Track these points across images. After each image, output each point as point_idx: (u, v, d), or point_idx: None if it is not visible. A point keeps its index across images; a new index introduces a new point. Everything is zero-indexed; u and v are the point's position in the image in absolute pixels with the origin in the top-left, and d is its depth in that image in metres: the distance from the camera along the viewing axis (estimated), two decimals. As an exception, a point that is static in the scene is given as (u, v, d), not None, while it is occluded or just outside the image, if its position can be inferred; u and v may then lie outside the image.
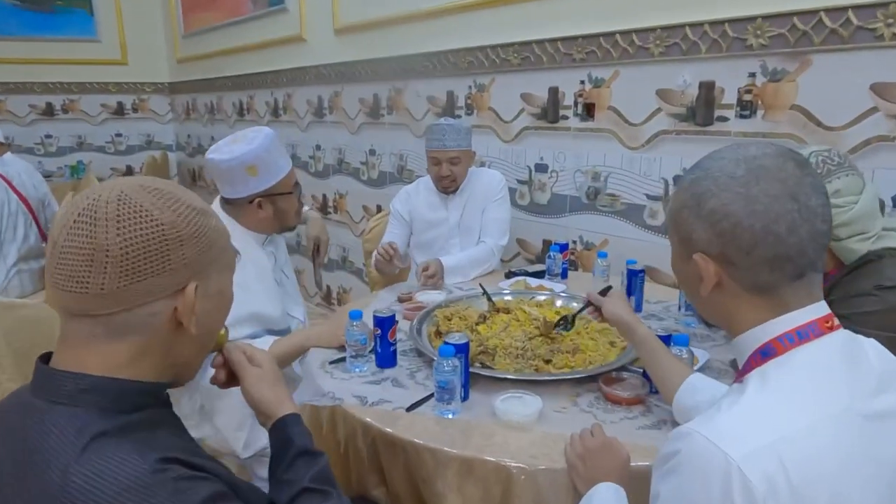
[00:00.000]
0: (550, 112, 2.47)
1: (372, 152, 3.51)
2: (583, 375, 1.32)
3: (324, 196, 4.01)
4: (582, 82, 2.33)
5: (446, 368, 1.19)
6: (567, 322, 1.44)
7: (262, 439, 1.63)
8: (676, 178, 2.09)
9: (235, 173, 1.62)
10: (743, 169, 0.72)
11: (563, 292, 1.93)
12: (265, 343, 1.59)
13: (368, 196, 3.60)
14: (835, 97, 1.70)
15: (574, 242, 2.48)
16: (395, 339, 1.44)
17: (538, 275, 2.12)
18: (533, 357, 1.41)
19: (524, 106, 2.57)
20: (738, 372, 0.76)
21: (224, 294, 0.78)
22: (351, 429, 1.25)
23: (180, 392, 1.69)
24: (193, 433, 1.65)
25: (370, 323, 1.43)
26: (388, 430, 1.17)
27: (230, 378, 0.92)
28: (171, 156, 6.06)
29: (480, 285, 1.89)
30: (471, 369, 1.32)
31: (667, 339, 1.29)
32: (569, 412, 1.23)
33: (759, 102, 1.85)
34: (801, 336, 0.70)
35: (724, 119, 1.94)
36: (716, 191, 0.72)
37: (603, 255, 1.95)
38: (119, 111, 5.88)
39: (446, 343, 1.25)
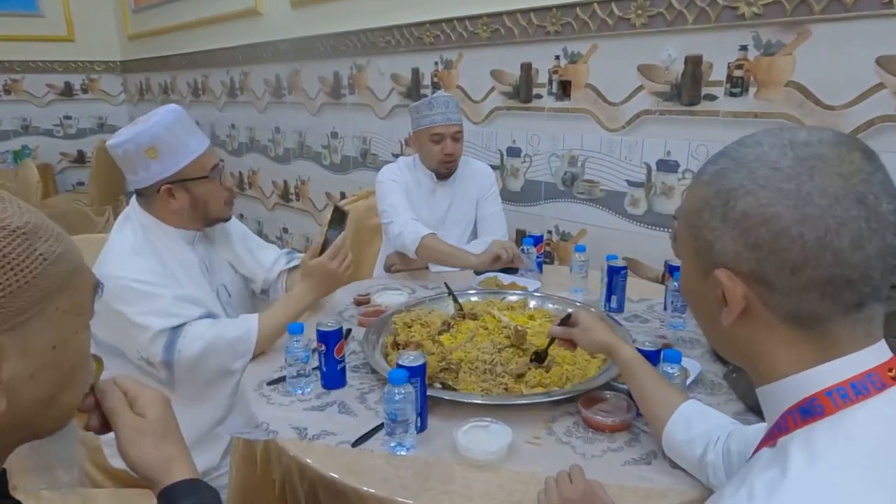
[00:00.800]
0: (523, 91, 2.27)
1: (334, 135, 3.27)
2: (560, 398, 1.14)
3: (285, 182, 3.77)
4: (557, 58, 2.13)
5: (397, 397, 1.00)
6: (540, 358, 1.25)
7: (206, 461, 1.43)
8: (660, 164, 1.92)
9: (133, 157, 1.39)
10: (791, 158, 0.53)
11: (537, 291, 1.75)
12: (249, 322, 1.39)
13: (331, 182, 3.37)
14: (836, 72, 1.53)
15: (549, 233, 2.30)
16: (342, 356, 1.24)
17: (511, 270, 1.93)
18: (502, 373, 1.23)
19: (495, 84, 2.36)
20: (769, 433, 0.58)
21: (64, 349, 0.57)
22: (287, 468, 1.05)
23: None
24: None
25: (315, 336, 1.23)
26: (330, 473, 0.98)
27: (107, 424, 0.72)
28: (125, 139, 5.70)
29: (446, 284, 1.70)
30: (429, 392, 1.13)
31: (655, 355, 1.12)
32: (543, 443, 1.05)
33: (752, 79, 1.68)
34: (858, 391, 0.52)
35: (712, 98, 1.76)
36: (751, 186, 0.53)
37: (581, 249, 1.77)
38: (67, 92, 5.49)
39: (398, 365, 1.06)
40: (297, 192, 3.69)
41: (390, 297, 1.72)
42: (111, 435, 0.68)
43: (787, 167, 0.53)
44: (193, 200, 1.45)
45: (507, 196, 2.41)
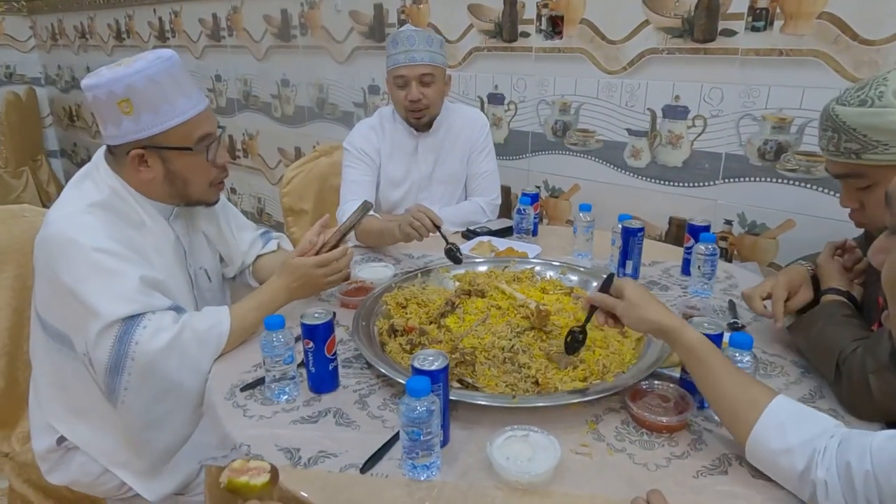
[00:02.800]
0: (507, 28, 2.00)
1: (285, 83, 2.92)
2: (608, 393, 0.95)
3: (230, 138, 3.39)
4: (547, -11, 1.87)
5: (418, 411, 0.78)
6: (577, 340, 1.03)
7: (171, 479, 1.19)
8: (667, 110, 1.72)
9: (103, 108, 1.09)
10: None
11: (537, 257, 1.55)
12: (220, 314, 1.14)
13: (284, 137, 3.03)
14: (876, 1, 1.35)
15: (538, 188, 2.09)
16: (334, 353, 1.01)
17: (504, 232, 1.73)
18: (528, 364, 1.03)
19: (473, 21, 2.09)
20: None
21: None
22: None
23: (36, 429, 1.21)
24: (54, 478, 1.20)
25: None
26: (335, 512, 0.77)
27: None
28: (39, 91, 5.07)
29: (438, 229, 1.47)
30: (452, 394, 0.92)
31: (717, 340, 0.94)
32: (593, 453, 0.87)
33: (778, 10, 1.48)
34: None
35: (730, 33, 1.56)
36: None
37: (586, 209, 1.57)
38: (-36, 36, 4.80)
39: (417, 371, 0.84)
40: (245, 148, 3.32)
41: (374, 270, 1.48)
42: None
43: None
44: (169, 174, 1.16)
45: (489, 149, 2.18)
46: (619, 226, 1.44)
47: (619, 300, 0.94)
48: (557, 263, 1.43)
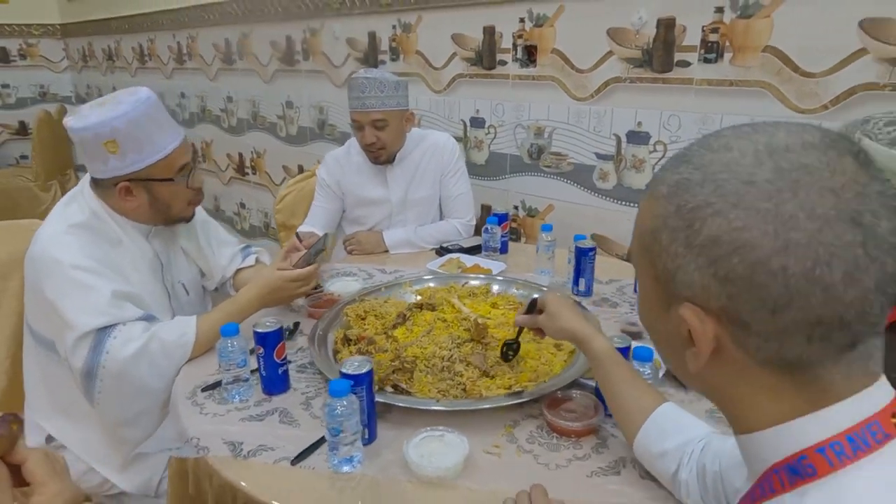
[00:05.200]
0: (486, 57, 2.12)
1: (289, 104, 3.08)
2: (523, 400, 1.04)
3: (240, 155, 3.56)
4: (522, 20, 1.98)
5: (338, 410, 0.89)
6: (511, 350, 1.14)
7: (146, 471, 1.31)
8: (630, 135, 1.81)
9: (90, 147, 1.22)
10: (769, 168, 0.42)
11: (500, 274, 1.65)
12: (186, 324, 1.25)
13: (288, 155, 3.19)
14: (816, 37, 1.42)
15: (516, 208, 2.19)
16: (284, 358, 1.12)
17: (474, 250, 1.82)
18: (461, 372, 1.13)
19: (456, 49, 2.21)
20: (752, 493, 0.48)
21: None
22: (219, 490, 0.94)
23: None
24: None
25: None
26: (263, 497, 0.87)
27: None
28: (71, 110, 5.35)
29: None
30: (380, 398, 1.02)
31: (625, 352, 1.02)
32: (503, 453, 0.96)
33: (727, 44, 1.56)
34: (857, 446, 0.43)
35: (685, 64, 1.65)
36: (720, 205, 0.43)
37: (547, 229, 1.66)
38: (3, 58, 5.11)
39: (341, 374, 0.94)
40: (254, 166, 3.49)
41: (344, 283, 1.60)
42: (37, 445, 0.52)
43: (764, 181, 0.42)
44: (153, 201, 1.30)
45: (472, 169, 2.28)
46: (575, 245, 1.53)
47: (542, 314, 1.04)
48: (502, 278, 1.53)
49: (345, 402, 0.89)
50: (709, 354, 0.47)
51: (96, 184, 1.30)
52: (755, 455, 0.48)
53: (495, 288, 1.52)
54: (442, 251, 1.85)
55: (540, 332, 1.07)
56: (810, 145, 0.43)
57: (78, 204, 1.30)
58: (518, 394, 1.06)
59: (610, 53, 1.79)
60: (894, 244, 0.41)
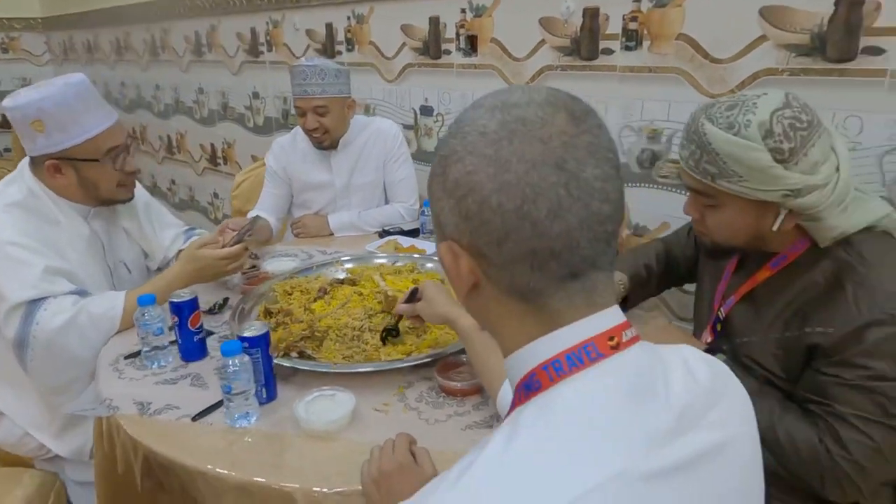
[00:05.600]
0: (432, 47, 2.18)
1: (255, 95, 3.14)
2: (413, 363, 1.12)
3: (212, 146, 3.63)
4: (463, 11, 2.05)
5: (230, 370, 0.96)
6: (390, 336, 1.21)
7: (80, 436, 1.39)
8: (563, 121, 1.88)
9: (20, 126, 1.30)
10: (497, 121, 0.49)
11: (434, 254, 1.72)
12: (114, 298, 1.32)
13: (256, 144, 3.26)
14: (722, 24, 1.49)
15: (463, 193, 2.26)
16: (200, 327, 1.20)
17: (414, 233, 1.90)
18: (368, 340, 1.20)
19: (405, 40, 2.27)
20: (510, 409, 0.55)
21: None
22: (123, 444, 1.02)
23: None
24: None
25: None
26: (159, 448, 0.95)
27: None
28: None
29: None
30: (284, 362, 1.10)
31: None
32: (390, 411, 1.03)
33: (645, 32, 1.63)
34: (573, 362, 0.50)
35: (609, 52, 1.71)
36: (462, 153, 0.49)
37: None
38: (-15, 51, 5.16)
39: (239, 337, 1.02)
40: (225, 156, 3.56)
41: (281, 263, 1.67)
42: None
43: (492, 131, 0.48)
44: (81, 180, 1.36)
45: (423, 157, 2.36)
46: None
47: (420, 302, 1.11)
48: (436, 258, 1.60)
49: (237, 362, 0.96)
50: (469, 286, 0.53)
51: (32, 162, 1.37)
52: (512, 377, 0.55)
53: (429, 266, 1.58)
54: (384, 234, 1.92)
55: (418, 318, 1.14)
56: (533, 102, 0.49)
57: (17, 184, 1.37)
58: (411, 358, 1.13)
59: (542, 42, 1.86)
60: (598, 188, 0.48)
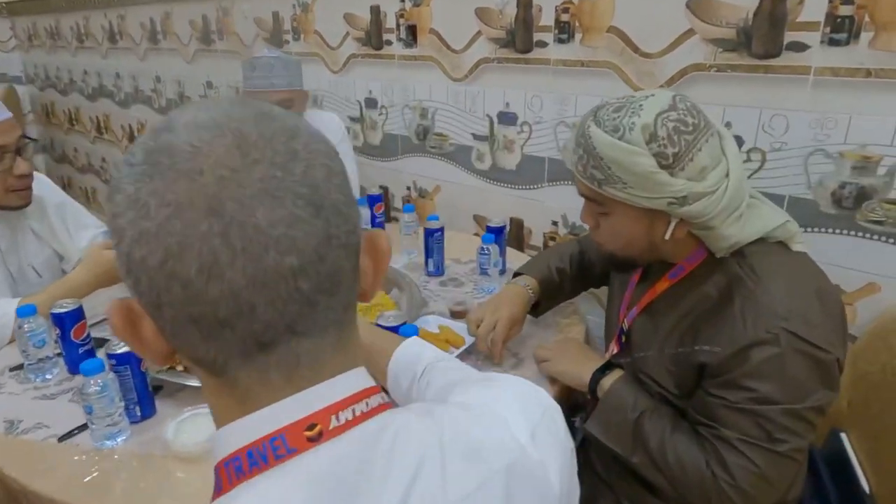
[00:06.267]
0: (374, 37, 2.11)
1: (209, 85, 3.06)
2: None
3: (171, 136, 3.54)
4: (402, 0, 1.97)
5: (91, 389, 0.91)
6: None
7: None
8: (501, 116, 1.82)
9: None
10: (144, 149, 0.37)
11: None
12: (6, 306, 1.25)
13: (213, 136, 3.18)
14: (651, 17, 1.43)
15: (409, 189, 2.20)
16: (86, 338, 1.14)
17: (345, 232, 1.84)
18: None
19: (349, 29, 2.20)
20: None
21: None
22: (-12, 466, 0.97)
23: None
24: None
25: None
26: (12, 472, 0.90)
27: None
28: (20, 90, 5.30)
29: None
30: (166, 377, 1.05)
31: (394, 330, 1.05)
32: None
33: (577, 24, 1.57)
34: (255, 460, 0.38)
35: (543, 44, 1.65)
36: (114, 187, 0.38)
37: (409, 209, 1.68)
38: (-53, 37, 5.04)
39: (108, 354, 0.97)
40: (184, 147, 3.48)
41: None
42: None
43: (137, 162, 0.37)
44: None
45: (368, 150, 2.30)
46: (424, 225, 1.55)
47: None
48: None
49: (98, 381, 0.91)
50: (163, 354, 0.41)
51: None
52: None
53: None
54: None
55: None
56: (193, 123, 0.37)
57: None
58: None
59: (479, 34, 1.79)
60: (276, 236, 0.36)
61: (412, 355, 0.80)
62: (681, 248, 0.95)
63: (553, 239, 1.81)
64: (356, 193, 2.01)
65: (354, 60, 2.22)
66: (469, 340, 1.21)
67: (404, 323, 1.05)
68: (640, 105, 0.85)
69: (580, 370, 1.05)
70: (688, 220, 0.88)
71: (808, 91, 1.23)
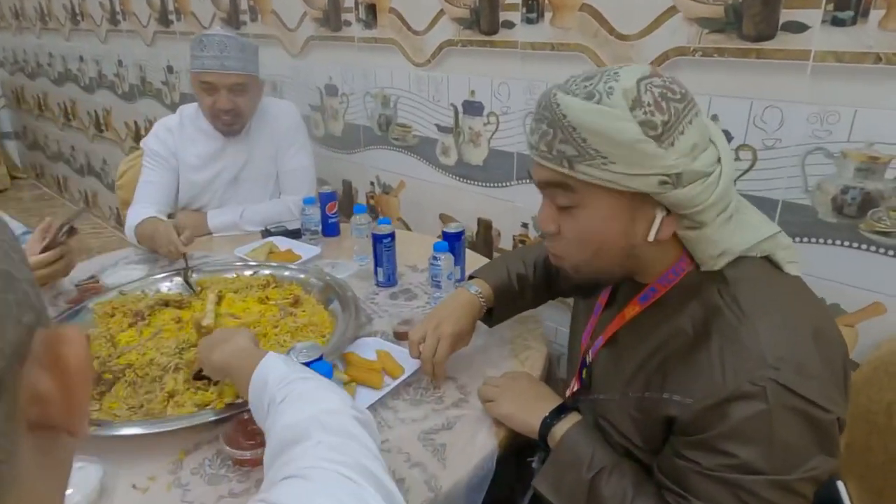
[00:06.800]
0: (332, 17, 1.92)
1: (170, 69, 2.87)
2: (196, 423, 0.90)
3: (136, 124, 3.36)
4: (360, -25, 1.78)
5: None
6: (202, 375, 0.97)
7: None
8: (466, 105, 1.63)
9: None
10: None
11: (310, 261, 1.50)
12: None
13: (176, 124, 2.99)
14: (629, -7, 1.24)
15: (372, 184, 2.03)
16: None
17: (294, 234, 1.67)
18: (168, 385, 0.98)
19: (306, 9, 2.00)
20: None
21: None
22: None
23: None
24: None
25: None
26: None
27: None
28: (-14, 73, 5.10)
29: (185, 258, 1.43)
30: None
31: (310, 365, 0.88)
32: (152, 488, 0.82)
33: (547, 1, 1.38)
34: None
35: (510, 25, 1.46)
36: None
37: (360, 210, 1.51)
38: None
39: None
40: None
41: (124, 273, 1.44)
42: None
43: None
44: None
45: (331, 142, 2.12)
46: (372, 232, 1.38)
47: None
48: (298, 268, 1.38)
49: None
50: None
51: None
52: None
53: (298, 275, 1.37)
54: (266, 233, 1.69)
55: None
56: None
57: None
58: (204, 413, 0.92)
59: (441, 13, 1.60)
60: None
61: (261, 383, 0.74)
62: (662, 258, 0.77)
63: (523, 242, 1.63)
64: (312, 189, 1.83)
65: (313, 43, 2.03)
66: (410, 368, 1.05)
67: (319, 358, 0.89)
68: (615, 73, 0.69)
69: (528, 415, 0.89)
70: (676, 214, 0.71)
71: (807, 79, 1.05)
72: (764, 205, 1.13)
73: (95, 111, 3.76)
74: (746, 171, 1.17)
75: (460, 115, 1.66)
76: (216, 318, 1.11)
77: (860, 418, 0.97)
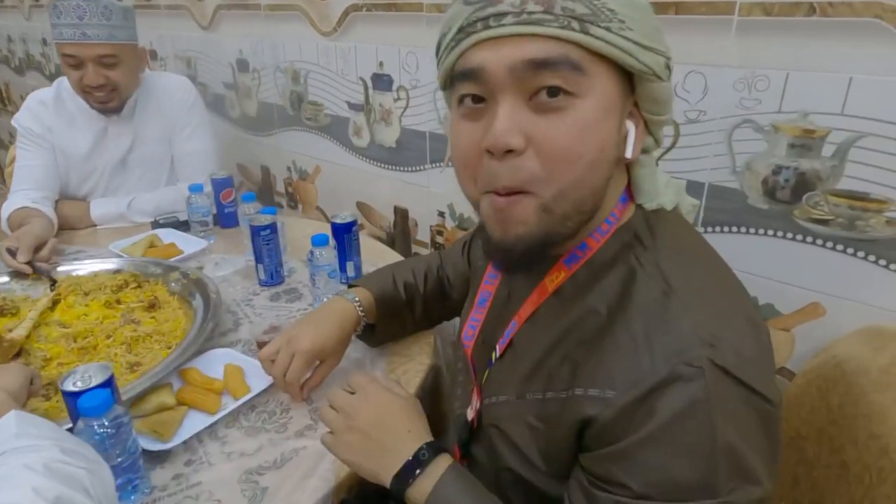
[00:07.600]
0: (238, -18, 1.72)
1: (44, 42, 2.65)
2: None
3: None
4: (261, -67, 1.59)
5: None
6: None
7: None
8: (375, 79, 1.45)
9: None
10: None
11: (191, 257, 1.32)
12: None
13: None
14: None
15: (289, 169, 1.84)
16: None
17: (182, 226, 1.48)
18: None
19: (212, -26, 1.81)
20: None
21: None
22: None
23: None
24: None
25: None
26: None
27: None
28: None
29: (34, 265, 1.24)
30: None
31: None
32: None
33: (451, -45, 1.19)
34: None
35: (413, -16, 1.28)
36: None
37: (249, 198, 1.32)
38: None
39: None
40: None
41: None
42: None
43: None
44: None
45: (246, 123, 1.92)
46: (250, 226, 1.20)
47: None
48: (177, 265, 1.20)
49: None
50: None
51: None
52: None
53: (169, 274, 1.18)
54: (155, 225, 1.50)
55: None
56: None
57: None
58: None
59: (345, -27, 1.41)
60: None
61: None
62: (613, 194, 0.59)
63: (440, 233, 1.46)
64: (211, 171, 1.63)
65: (222, 13, 1.83)
66: (259, 387, 0.87)
67: (107, 382, 0.70)
68: None
69: (376, 464, 0.66)
70: (643, 129, 0.57)
71: (732, 38, 0.88)
72: (688, 189, 0.96)
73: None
74: (669, 149, 1.00)
75: (370, 91, 1.47)
76: (34, 330, 0.93)
77: (788, 445, 0.81)
